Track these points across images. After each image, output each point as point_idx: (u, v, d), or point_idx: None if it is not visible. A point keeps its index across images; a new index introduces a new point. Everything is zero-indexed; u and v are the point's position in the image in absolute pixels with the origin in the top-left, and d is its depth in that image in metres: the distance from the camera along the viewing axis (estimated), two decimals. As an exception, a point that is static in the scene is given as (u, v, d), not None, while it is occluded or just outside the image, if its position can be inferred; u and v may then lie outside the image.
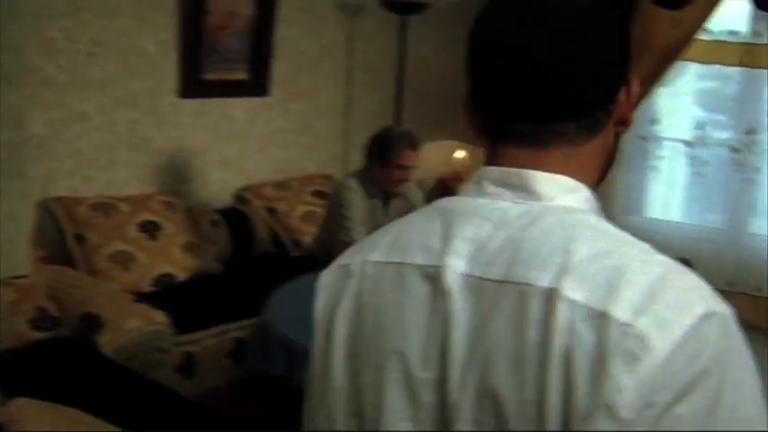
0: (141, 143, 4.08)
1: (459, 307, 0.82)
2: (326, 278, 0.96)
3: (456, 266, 0.83)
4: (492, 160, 0.90)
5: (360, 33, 5.16)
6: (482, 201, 0.88)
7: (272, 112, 4.72)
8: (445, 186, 5.63)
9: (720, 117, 5.43)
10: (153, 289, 3.61)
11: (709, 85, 5.53)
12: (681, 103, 5.52)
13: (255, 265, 4.12)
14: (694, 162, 5.37)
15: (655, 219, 5.60)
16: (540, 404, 0.74)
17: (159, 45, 4.05)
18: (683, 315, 0.74)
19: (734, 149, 5.19)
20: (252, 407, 3.40)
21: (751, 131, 5.10)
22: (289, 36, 4.70)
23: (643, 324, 0.73)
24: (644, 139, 5.52)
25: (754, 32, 4.97)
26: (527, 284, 0.78)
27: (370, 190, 3.62)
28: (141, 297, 3.41)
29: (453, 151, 5.55)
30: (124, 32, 3.89)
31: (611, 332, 0.73)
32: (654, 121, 5.49)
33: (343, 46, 5.09)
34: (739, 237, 5.33)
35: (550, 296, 0.76)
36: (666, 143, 5.49)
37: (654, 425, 0.71)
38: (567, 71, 0.85)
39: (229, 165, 4.54)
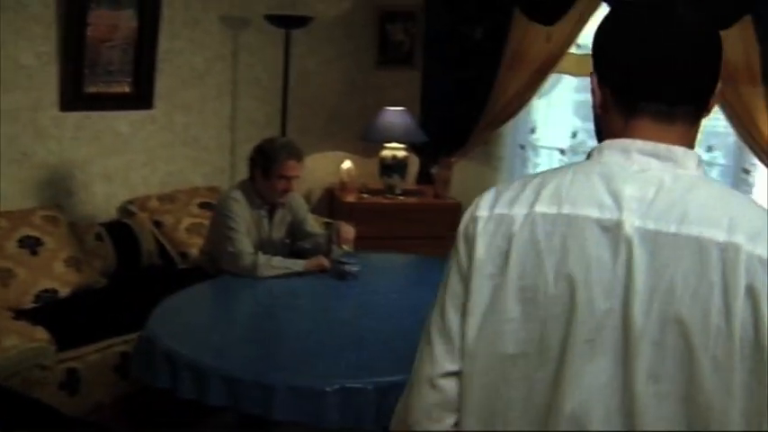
0: (22, 157, 4.01)
1: (638, 252, 1.06)
2: (484, 226, 1.20)
3: (632, 221, 1.08)
4: (626, 133, 1.17)
5: (245, 47, 5.22)
6: (634, 167, 1.13)
7: (157, 124, 4.72)
8: (333, 196, 5.74)
9: (592, 126, 5.71)
10: (34, 305, 3.55)
11: (584, 96, 5.83)
12: (557, 114, 5.80)
13: (142, 279, 4.11)
14: (569, 169, 5.64)
15: (534, 223, 5.83)
16: (728, 329, 1.01)
17: (38, 57, 4.00)
18: None
19: (605, 156, 5.48)
20: (138, 421, 3.41)
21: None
22: (173, 49, 4.72)
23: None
24: (522, 147, 5.76)
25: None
26: (705, 238, 1.04)
27: (255, 201, 3.67)
28: (21, 314, 3.36)
29: (340, 162, 5.66)
30: (1, 45, 3.82)
31: (757, 262, 1.02)
32: (532, 130, 5.75)
33: (228, 59, 5.13)
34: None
35: (727, 248, 1.03)
36: (543, 151, 5.76)
37: None
38: (695, 67, 1.16)
39: (114, 178, 4.51)
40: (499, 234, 1.17)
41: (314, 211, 5.15)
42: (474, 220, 1.23)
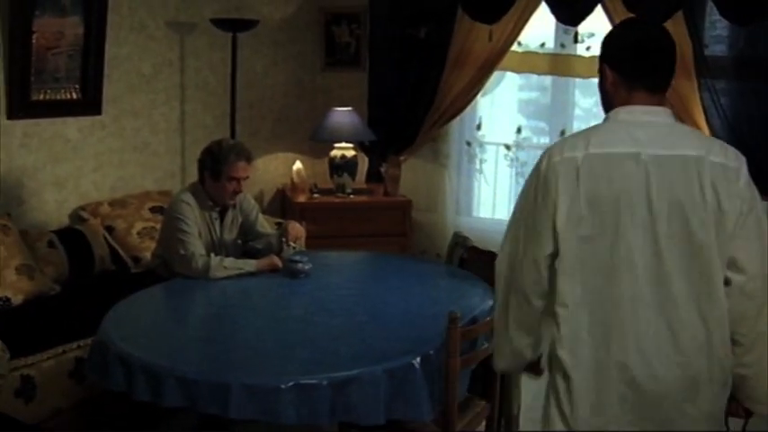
0: (-30, 167, 4.01)
1: (651, 168, 1.91)
2: (559, 165, 1.95)
3: (646, 151, 1.92)
4: (629, 101, 2.01)
5: (192, 51, 5.25)
6: (640, 120, 1.99)
7: (106, 130, 4.73)
8: (284, 197, 5.80)
9: (537, 123, 5.87)
10: (-13, 314, 3.56)
11: (528, 94, 5.98)
12: (502, 111, 5.94)
13: (95, 284, 4.12)
14: (515, 164, 5.78)
15: (482, 218, 5.97)
16: (704, 203, 1.88)
17: (-16, 67, 4.00)
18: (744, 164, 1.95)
19: (549, 151, 5.63)
20: (97, 425, 3.43)
21: (563, 133, 5.55)
22: (120, 55, 4.73)
23: (740, 166, 1.94)
24: (468, 143, 5.89)
25: (560, 44, 5.43)
26: (686, 155, 1.91)
27: (206, 203, 3.70)
28: (-26, 323, 3.37)
29: (290, 163, 5.72)
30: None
31: (729, 172, 1.91)
32: (477, 127, 5.87)
33: (175, 63, 5.16)
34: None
35: (698, 160, 1.90)
36: (489, 147, 5.89)
37: (742, 224, 1.92)
38: (667, 59, 2.05)
39: (64, 185, 4.51)
40: (571, 168, 1.95)
41: (266, 211, 5.22)
42: (553, 163, 1.97)
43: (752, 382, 2.03)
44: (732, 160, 1.93)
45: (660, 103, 2.02)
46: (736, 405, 2.09)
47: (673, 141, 1.95)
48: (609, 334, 1.94)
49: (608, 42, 2.09)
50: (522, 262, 2.04)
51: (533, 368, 2.27)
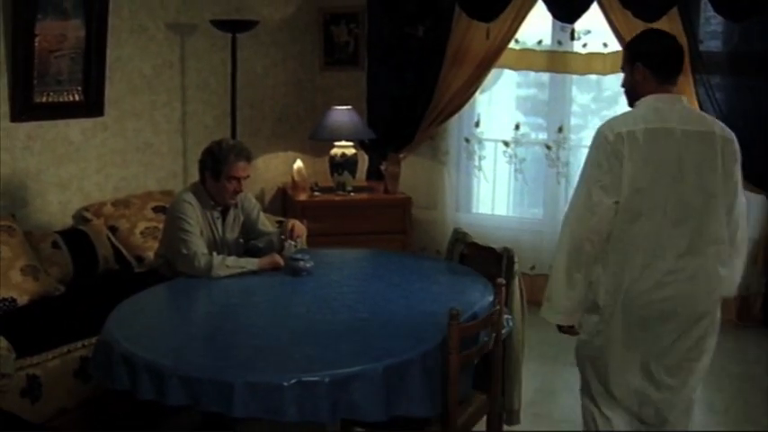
0: (-26, 169, 4.05)
1: (683, 142, 2.66)
2: (626, 136, 2.66)
3: (677, 126, 2.67)
4: (658, 91, 2.73)
5: (192, 52, 5.29)
6: (670, 103, 2.72)
7: (109, 131, 4.77)
8: (285, 195, 5.84)
9: (535, 119, 5.91)
10: (-7, 314, 3.60)
11: (525, 91, 6.02)
12: (500, 108, 5.97)
13: (99, 284, 4.15)
14: (513, 160, 5.82)
15: (482, 214, 6.00)
16: (717, 167, 2.68)
17: (-13, 70, 4.04)
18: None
19: (547, 147, 5.68)
20: (102, 424, 3.47)
21: (560, 130, 5.59)
22: (121, 56, 4.77)
23: (734, 139, 2.75)
24: (467, 140, 5.92)
25: (557, 41, 5.47)
26: (704, 131, 2.69)
27: (208, 202, 3.73)
28: (-20, 324, 3.40)
29: (291, 161, 5.76)
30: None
31: (732, 144, 2.73)
32: (476, 124, 5.90)
33: (176, 65, 5.20)
34: (557, 226, 5.79)
35: (712, 134, 2.69)
36: (488, 144, 5.92)
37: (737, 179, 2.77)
38: (682, 60, 2.83)
39: (68, 186, 4.55)
40: (633, 138, 2.67)
41: (267, 210, 5.26)
42: (619, 134, 2.68)
43: (733, 277, 2.88)
44: (731, 134, 2.76)
45: (677, 91, 2.84)
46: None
47: (693, 119, 2.76)
48: (650, 257, 2.72)
49: (641, 47, 2.82)
50: (599, 207, 2.70)
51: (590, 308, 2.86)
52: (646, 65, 2.75)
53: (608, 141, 2.69)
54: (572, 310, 2.84)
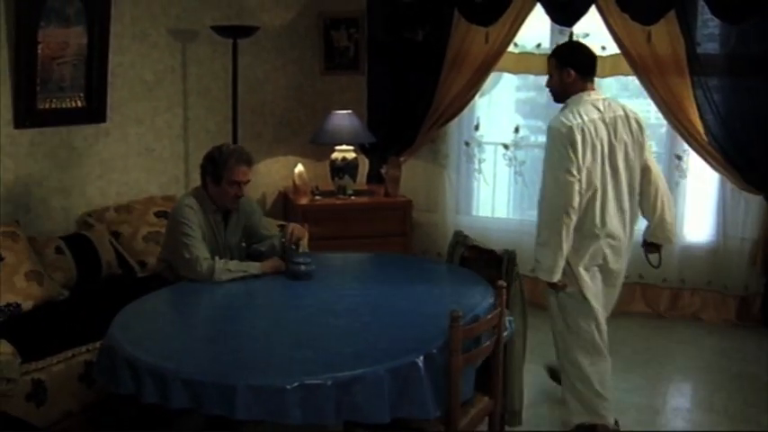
0: (-22, 176, 4.07)
1: (610, 127, 3.55)
2: (575, 128, 3.43)
3: (605, 115, 3.55)
4: (584, 89, 3.58)
5: (193, 58, 5.32)
6: (596, 98, 3.59)
7: (111, 137, 4.80)
8: (286, 199, 5.87)
9: (535, 122, 5.94)
10: (-2, 320, 3.63)
11: (525, 94, 6.05)
12: (500, 111, 6.00)
13: (103, 289, 4.18)
14: (513, 163, 5.85)
15: (482, 216, 6.02)
16: (634, 139, 3.62)
17: (-9, 78, 4.07)
18: None
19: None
20: (106, 428, 3.49)
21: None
22: (123, 63, 4.81)
23: (638, 114, 3.72)
24: (467, 144, 5.95)
25: (556, 44, 5.47)
26: (623, 114, 3.60)
27: (209, 206, 3.74)
28: (-15, 329, 3.42)
29: (292, 166, 5.79)
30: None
31: (641, 122, 3.68)
32: (476, 127, 5.93)
33: (177, 70, 5.24)
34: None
35: (629, 117, 3.62)
36: (487, 147, 5.95)
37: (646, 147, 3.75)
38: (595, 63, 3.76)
39: (70, 192, 4.58)
40: (579, 129, 3.43)
41: (268, 214, 5.29)
42: (571, 127, 3.41)
43: (666, 225, 3.78)
44: (636, 113, 3.67)
45: (593, 89, 3.64)
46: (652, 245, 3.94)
47: (613, 107, 3.59)
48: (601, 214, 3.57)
49: (571, 55, 3.65)
50: (571, 186, 3.42)
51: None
52: (575, 69, 3.58)
53: (562, 134, 3.43)
54: (560, 268, 3.53)
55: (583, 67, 3.58)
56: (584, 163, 3.42)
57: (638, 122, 3.62)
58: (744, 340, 5.18)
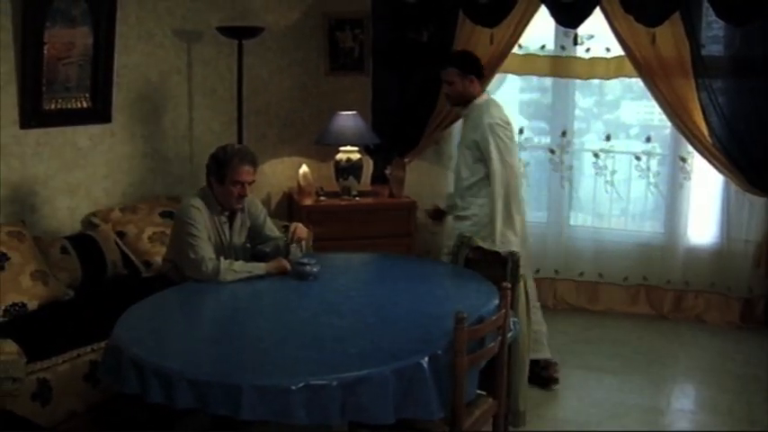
0: (-16, 176, 4.09)
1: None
2: (504, 127, 4.15)
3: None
4: (480, 92, 4.29)
5: (199, 59, 5.34)
6: (494, 99, 4.41)
7: (116, 137, 4.82)
8: (291, 200, 5.87)
9: (539, 123, 5.94)
10: (4, 319, 3.63)
11: (529, 96, 6.05)
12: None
13: (108, 289, 4.19)
14: (518, 164, 5.85)
15: (486, 218, 6.02)
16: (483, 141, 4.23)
17: (-1, 78, 4.08)
18: None
19: (551, 151, 5.71)
20: (111, 428, 3.50)
21: (564, 134, 5.62)
22: (129, 63, 4.82)
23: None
24: (471, 145, 5.95)
25: (560, 46, 5.50)
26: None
27: (215, 207, 3.75)
28: (-9, 328, 3.43)
29: (297, 166, 5.80)
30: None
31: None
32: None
33: (183, 71, 5.25)
34: (561, 229, 5.84)
35: (485, 122, 4.17)
36: (492, 148, 5.93)
37: None
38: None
39: (76, 192, 4.60)
40: (510, 124, 4.21)
41: (273, 215, 5.29)
42: (507, 122, 4.15)
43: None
44: None
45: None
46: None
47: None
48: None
49: (474, 64, 4.25)
50: (515, 170, 4.15)
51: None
52: (477, 76, 4.22)
53: (503, 127, 4.11)
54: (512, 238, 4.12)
55: (480, 74, 4.27)
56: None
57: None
58: (747, 342, 5.19)
